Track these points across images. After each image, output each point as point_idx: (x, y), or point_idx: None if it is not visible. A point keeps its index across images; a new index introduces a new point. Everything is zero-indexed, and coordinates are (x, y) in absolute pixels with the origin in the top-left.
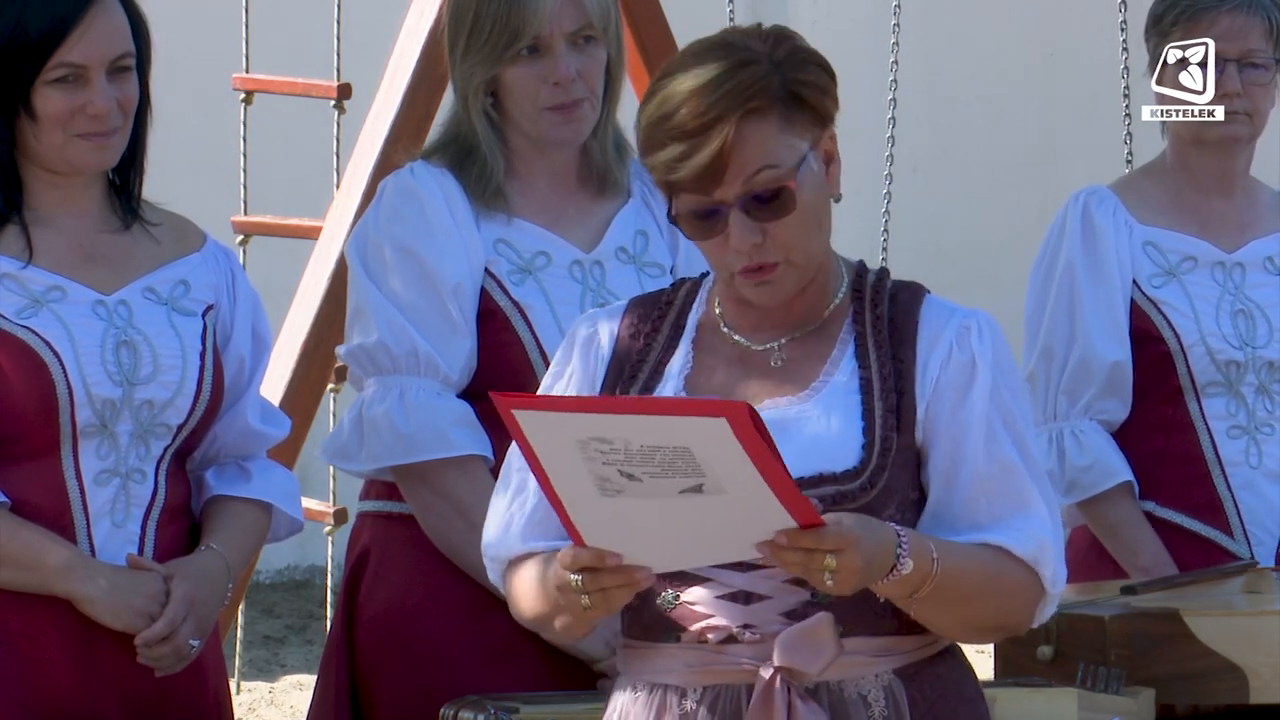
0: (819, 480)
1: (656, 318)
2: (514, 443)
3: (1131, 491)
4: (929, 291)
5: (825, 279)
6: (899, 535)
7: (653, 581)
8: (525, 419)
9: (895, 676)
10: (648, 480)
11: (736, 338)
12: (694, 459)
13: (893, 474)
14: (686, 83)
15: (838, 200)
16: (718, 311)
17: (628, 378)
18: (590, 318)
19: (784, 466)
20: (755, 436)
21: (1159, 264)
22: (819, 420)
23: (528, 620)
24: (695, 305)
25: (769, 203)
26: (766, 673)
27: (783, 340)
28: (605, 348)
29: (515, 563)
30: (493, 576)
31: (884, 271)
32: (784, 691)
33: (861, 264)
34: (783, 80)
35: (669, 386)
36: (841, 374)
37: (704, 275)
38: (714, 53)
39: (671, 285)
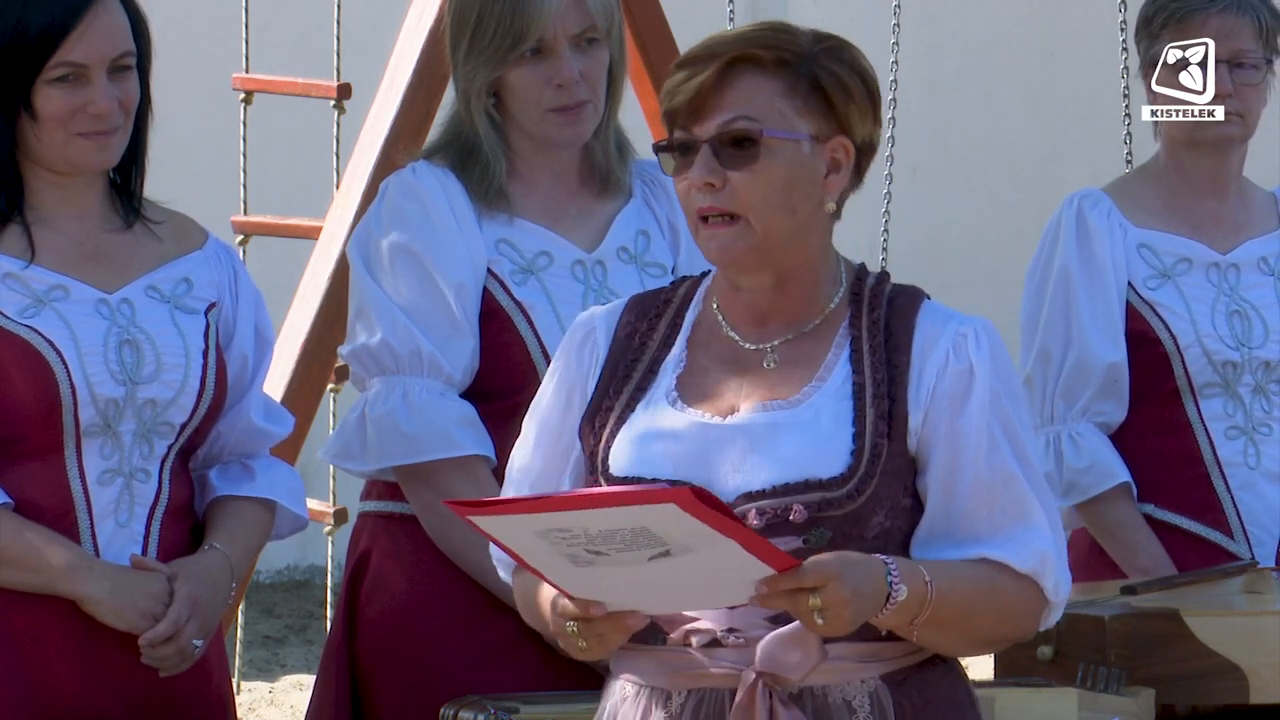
0: (805, 486)
1: (654, 316)
2: (514, 447)
3: (1129, 493)
4: (928, 296)
5: (820, 278)
6: (887, 564)
7: (646, 621)
8: (484, 523)
9: (882, 682)
10: (614, 554)
11: (732, 334)
12: (653, 534)
13: (882, 480)
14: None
15: (835, 216)
16: (715, 308)
17: (622, 376)
18: (588, 317)
19: (743, 525)
20: (707, 511)
21: (1154, 266)
22: (809, 426)
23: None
24: (693, 303)
25: (734, 148)
26: (748, 678)
27: (777, 341)
28: (601, 347)
29: (519, 569)
30: (504, 575)
31: (884, 275)
32: (765, 697)
33: (863, 267)
34: (810, 60)
35: (662, 385)
36: (835, 379)
37: (704, 274)
38: (773, 26)
39: (671, 283)
